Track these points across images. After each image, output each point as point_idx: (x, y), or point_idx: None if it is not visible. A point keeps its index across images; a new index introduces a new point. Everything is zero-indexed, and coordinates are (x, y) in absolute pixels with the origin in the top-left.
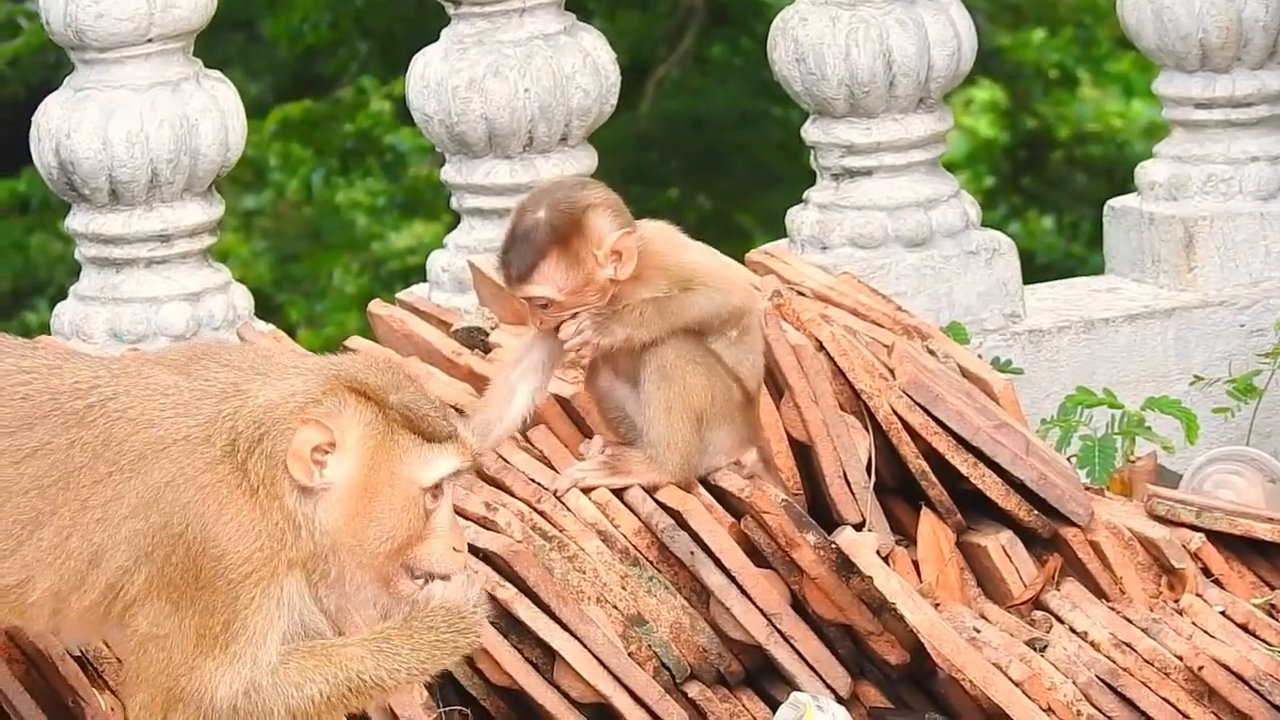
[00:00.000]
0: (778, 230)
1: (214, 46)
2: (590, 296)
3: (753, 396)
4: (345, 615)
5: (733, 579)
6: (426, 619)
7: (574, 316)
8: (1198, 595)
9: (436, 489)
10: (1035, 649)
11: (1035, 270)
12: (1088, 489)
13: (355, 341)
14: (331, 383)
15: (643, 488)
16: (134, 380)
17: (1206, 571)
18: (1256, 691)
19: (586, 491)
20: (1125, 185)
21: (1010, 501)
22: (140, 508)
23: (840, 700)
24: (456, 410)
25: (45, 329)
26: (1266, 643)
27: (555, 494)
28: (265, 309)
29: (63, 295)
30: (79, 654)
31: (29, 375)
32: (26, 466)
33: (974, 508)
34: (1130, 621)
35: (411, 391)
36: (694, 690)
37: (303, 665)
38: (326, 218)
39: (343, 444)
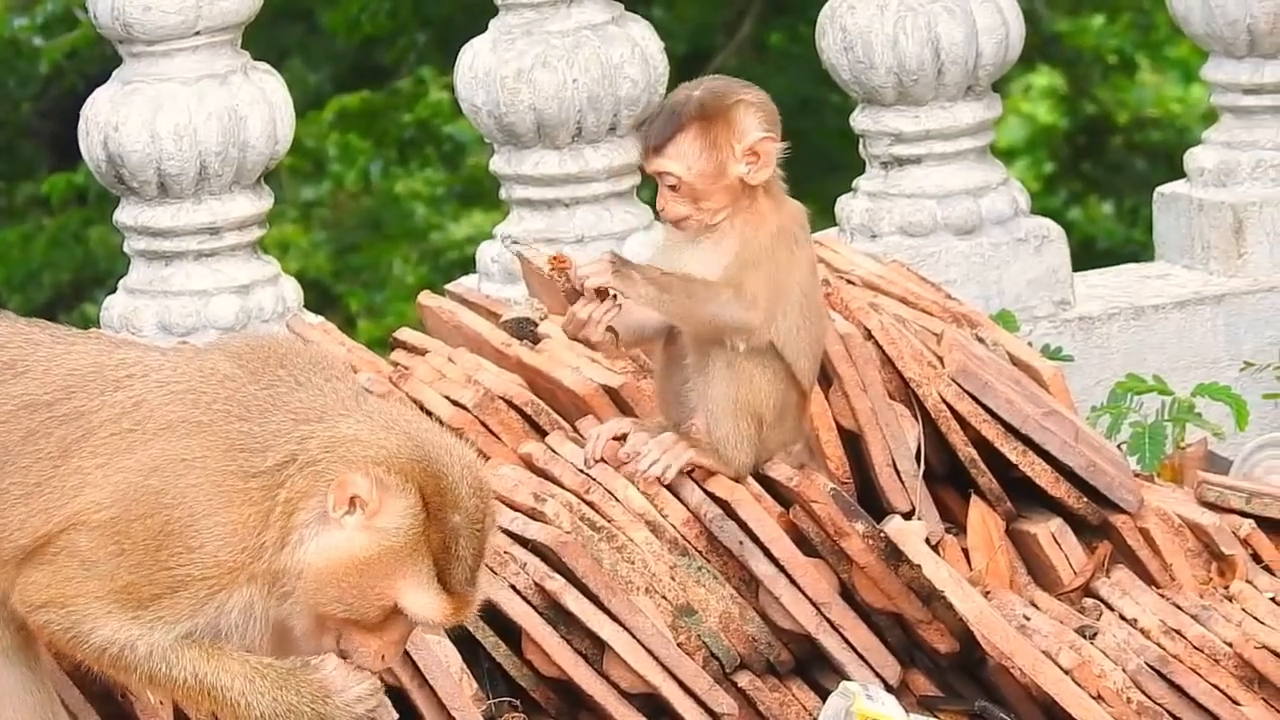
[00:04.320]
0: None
1: (273, 37)
2: (715, 195)
3: (806, 394)
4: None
5: (781, 568)
6: (302, 683)
7: (682, 221)
8: (1247, 582)
9: (408, 618)
10: (1085, 636)
11: (1096, 256)
12: (1138, 476)
13: (406, 334)
14: (413, 467)
15: (693, 479)
16: (186, 360)
17: (1256, 558)
18: None
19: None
20: (1185, 170)
21: (1060, 489)
22: (145, 469)
23: (890, 689)
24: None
25: None
26: None
27: (641, 478)
28: (325, 300)
29: None
30: None
31: (78, 354)
32: (57, 431)
33: (1023, 495)
34: (1180, 608)
35: (471, 532)
36: (743, 680)
37: (181, 650)
38: (385, 208)
39: (373, 519)
